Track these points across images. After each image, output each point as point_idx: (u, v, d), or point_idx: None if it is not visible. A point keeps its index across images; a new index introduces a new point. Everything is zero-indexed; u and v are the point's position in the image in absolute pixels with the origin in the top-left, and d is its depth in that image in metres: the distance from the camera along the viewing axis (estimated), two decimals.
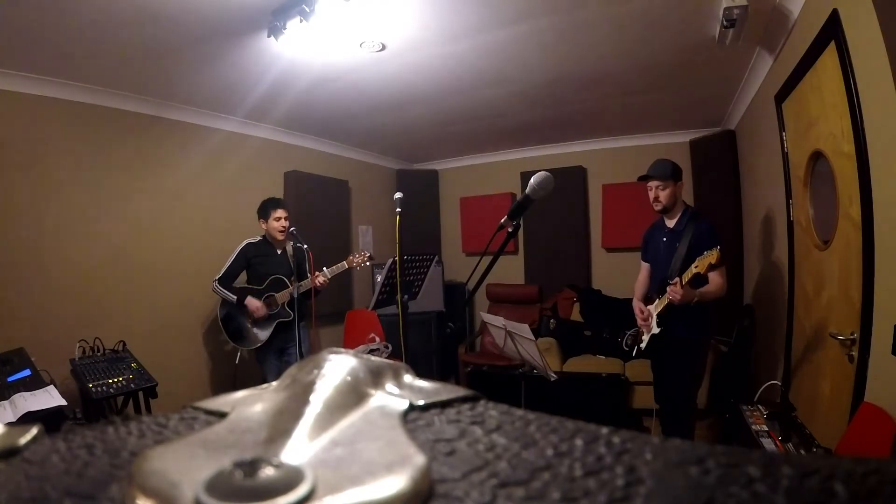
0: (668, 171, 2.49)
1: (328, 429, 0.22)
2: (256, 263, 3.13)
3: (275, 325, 3.08)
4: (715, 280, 2.36)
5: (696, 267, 2.24)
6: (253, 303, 3.02)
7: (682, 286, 2.29)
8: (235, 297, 3.02)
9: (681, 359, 2.48)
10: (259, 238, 3.18)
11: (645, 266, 2.79)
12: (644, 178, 2.56)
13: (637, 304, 2.68)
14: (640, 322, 2.63)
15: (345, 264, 3.15)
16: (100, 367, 2.56)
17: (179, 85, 3.09)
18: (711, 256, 2.17)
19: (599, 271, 5.01)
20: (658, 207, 2.55)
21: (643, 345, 2.61)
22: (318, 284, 3.03)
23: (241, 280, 3.22)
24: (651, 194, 2.55)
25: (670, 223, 2.58)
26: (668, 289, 2.35)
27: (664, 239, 2.59)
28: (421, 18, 2.38)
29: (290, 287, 3.01)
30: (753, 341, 3.30)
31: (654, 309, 2.52)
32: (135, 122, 3.24)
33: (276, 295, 3.08)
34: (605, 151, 4.96)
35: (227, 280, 3.08)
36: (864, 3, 1.58)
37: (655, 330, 2.50)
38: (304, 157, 4.43)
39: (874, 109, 1.64)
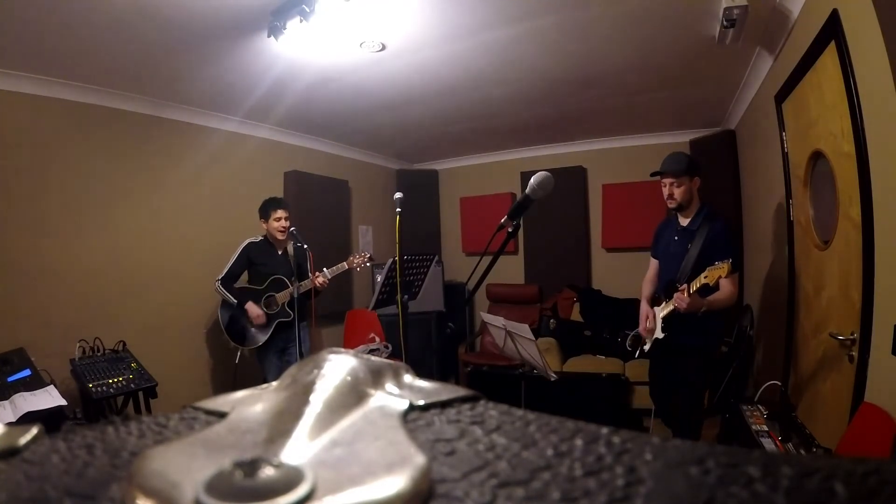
0: (682, 166, 2.32)
1: (328, 429, 0.22)
2: (258, 263, 3.14)
3: (275, 325, 3.08)
4: (726, 288, 2.24)
5: (705, 277, 2.11)
6: (253, 310, 3.03)
7: (689, 294, 2.17)
8: (236, 301, 3.03)
9: (687, 365, 2.39)
10: (260, 238, 3.18)
11: (654, 263, 2.67)
12: (657, 174, 2.41)
13: (643, 309, 2.55)
14: (642, 329, 2.53)
15: (345, 265, 3.16)
16: (100, 367, 2.56)
17: (179, 85, 3.09)
18: (722, 269, 2.04)
19: (599, 271, 5.01)
20: (672, 205, 2.39)
21: (647, 347, 2.54)
22: (318, 285, 3.04)
23: (243, 280, 3.22)
24: (665, 191, 2.37)
25: (684, 221, 2.43)
26: (675, 296, 2.24)
27: (675, 238, 2.45)
28: (421, 18, 2.38)
29: (291, 287, 3.01)
30: (753, 341, 3.30)
31: (660, 312, 2.42)
32: (135, 122, 3.24)
33: (276, 295, 3.08)
34: (605, 151, 4.96)
35: (229, 280, 3.08)
36: (864, 3, 1.58)
37: (660, 335, 2.40)
38: (304, 157, 4.43)
39: (874, 109, 1.64)
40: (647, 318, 2.50)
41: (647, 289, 2.65)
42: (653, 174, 2.46)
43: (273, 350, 3.13)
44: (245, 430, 0.23)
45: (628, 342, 2.72)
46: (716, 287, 2.21)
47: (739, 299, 3.66)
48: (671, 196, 2.37)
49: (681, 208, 2.40)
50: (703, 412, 2.61)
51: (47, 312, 2.80)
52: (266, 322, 3.07)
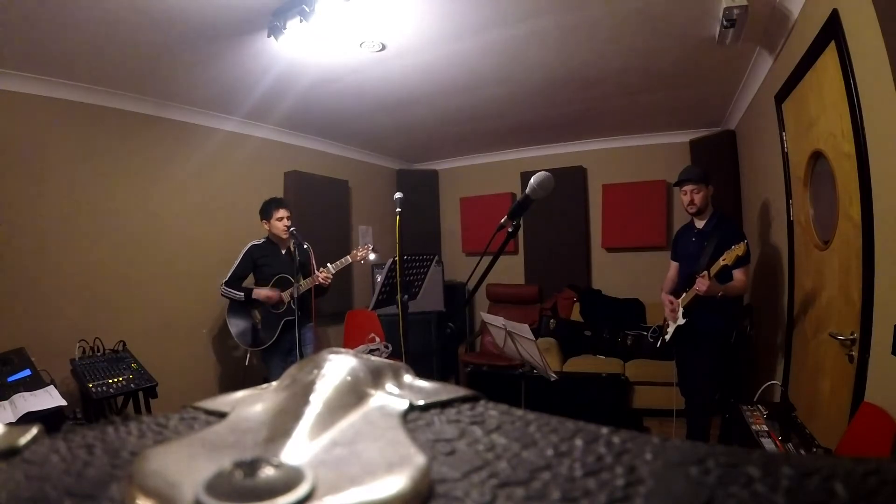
0: (701, 175, 2.65)
1: (328, 429, 0.22)
2: (263, 265, 3.14)
3: (282, 324, 3.08)
4: (738, 277, 2.53)
5: (723, 259, 2.37)
6: (261, 291, 3.04)
7: (709, 278, 2.43)
8: (242, 294, 3.03)
9: (706, 348, 2.61)
10: (263, 239, 3.19)
11: (674, 265, 2.96)
12: (679, 184, 2.71)
13: (665, 296, 2.80)
14: (667, 312, 2.75)
15: (348, 258, 3.15)
16: (100, 367, 2.56)
17: (179, 85, 3.09)
18: (739, 249, 2.32)
19: (599, 271, 5.01)
20: (693, 210, 2.69)
21: (668, 336, 2.73)
22: (322, 280, 3.04)
23: (249, 283, 3.22)
24: (686, 198, 2.69)
25: (700, 224, 2.73)
26: (697, 280, 2.49)
27: (693, 239, 2.74)
28: (421, 18, 2.38)
29: (295, 285, 3.01)
30: (753, 341, 3.30)
31: (682, 302, 2.64)
32: (135, 122, 3.24)
33: (281, 294, 3.08)
34: (605, 151, 4.96)
35: (233, 282, 3.08)
36: (864, 3, 1.58)
37: (681, 321, 2.63)
38: (304, 157, 4.43)
39: (874, 109, 1.64)
40: (670, 302, 2.72)
41: (667, 286, 2.93)
42: (675, 184, 2.77)
43: (280, 351, 3.13)
44: (245, 430, 0.23)
45: (650, 334, 2.94)
46: (730, 275, 2.50)
47: (740, 299, 3.66)
48: (692, 202, 2.67)
49: (699, 212, 2.70)
50: (718, 399, 2.76)
51: (47, 312, 2.80)
52: (279, 304, 3.08)
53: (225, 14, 2.24)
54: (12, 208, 2.70)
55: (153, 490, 0.18)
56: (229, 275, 3.08)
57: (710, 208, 2.71)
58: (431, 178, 5.81)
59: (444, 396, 0.28)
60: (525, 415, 0.25)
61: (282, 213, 3.09)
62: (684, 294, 2.65)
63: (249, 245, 3.15)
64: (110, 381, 2.45)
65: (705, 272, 2.46)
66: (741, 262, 2.40)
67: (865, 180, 1.68)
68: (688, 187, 2.67)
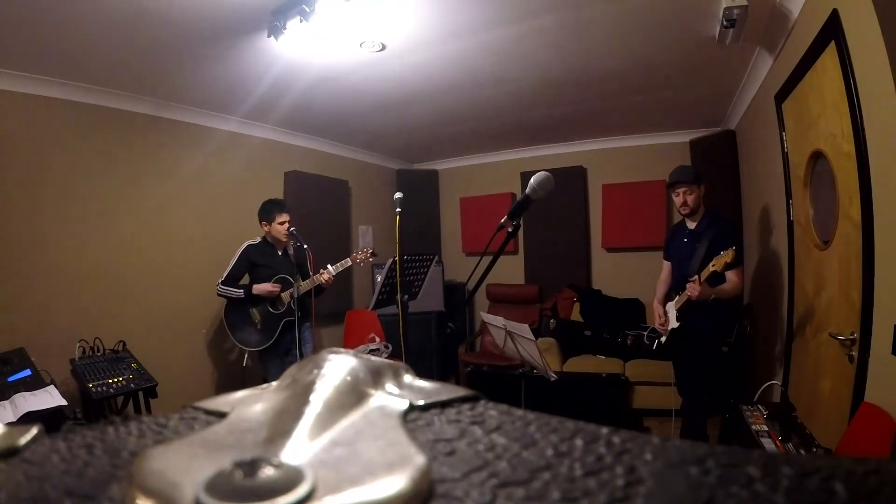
0: (693, 176, 2.65)
1: (328, 429, 0.22)
2: (260, 265, 3.13)
3: (282, 325, 3.08)
4: (732, 279, 2.51)
5: (712, 265, 2.37)
6: (262, 287, 3.03)
7: (700, 283, 2.42)
8: (242, 291, 3.03)
9: (701, 349, 2.61)
10: (259, 239, 3.18)
11: (666, 265, 2.94)
12: (672, 186, 2.69)
13: (657, 308, 2.81)
14: (658, 325, 2.76)
15: (349, 261, 3.15)
16: (100, 367, 2.56)
17: (179, 85, 3.09)
18: (727, 256, 2.31)
19: (599, 271, 5.01)
20: (685, 211, 2.69)
21: (664, 339, 2.74)
22: (324, 282, 3.04)
23: (245, 282, 3.22)
24: (679, 199, 2.68)
25: (692, 225, 2.72)
26: (687, 285, 2.49)
27: (685, 240, 2.73)
28: (421, 18, 2.38)
29: (295, 286, 3.01)
30: (753, 341, 3.30)
31: (675, 305, 2.65)
32: (135, 122, 3.24)
33: (281, 295, 3.08)
34: (605, 151, 4.96)
35: (230, 282, 3.07)
36: (864, 3, 1.58)
37: (675, 324, 2.63)
38: (304, 157, 4.43)
39: (874, 109, 1.64)
40: (660, 315, 2.76)
41: (660, 289, 2.91)
42: (667, 186, 2.75)
43: (279, 351, 3.13)
44: (245, 430, 0.23)
45: (646, 337, 2.97)
46: (723, 277, 2.48)
47: (740, 299, 3.66)
48: (685, 203, 2.66)
49: (691, 213, 2.69)
50: (715, 399, 2.76)
51: (47, 312, 2.80)
52: (277, 299, 3.09)
53: (225, 14, 2.24)
54: (12, 208, 2.70)
55: (153, 490, 0.18)
56: (225, 275, 3.06)
57: (702, 208, 2.70)
58: (431, 178, 5.81)
59: (444, 396, 0.28)
60: (525, 415, 0.25)
61: (284, 217, 3.08)
62: (677, 297, 2.64)
63: (245, 245, 3.14)
64: (110, 381, 2.45)
65: (696, 277, 2.45)
66: (731, 266, 2.39)
67: (865, 180, 1.68)
68: (680, 189, 2.66)
